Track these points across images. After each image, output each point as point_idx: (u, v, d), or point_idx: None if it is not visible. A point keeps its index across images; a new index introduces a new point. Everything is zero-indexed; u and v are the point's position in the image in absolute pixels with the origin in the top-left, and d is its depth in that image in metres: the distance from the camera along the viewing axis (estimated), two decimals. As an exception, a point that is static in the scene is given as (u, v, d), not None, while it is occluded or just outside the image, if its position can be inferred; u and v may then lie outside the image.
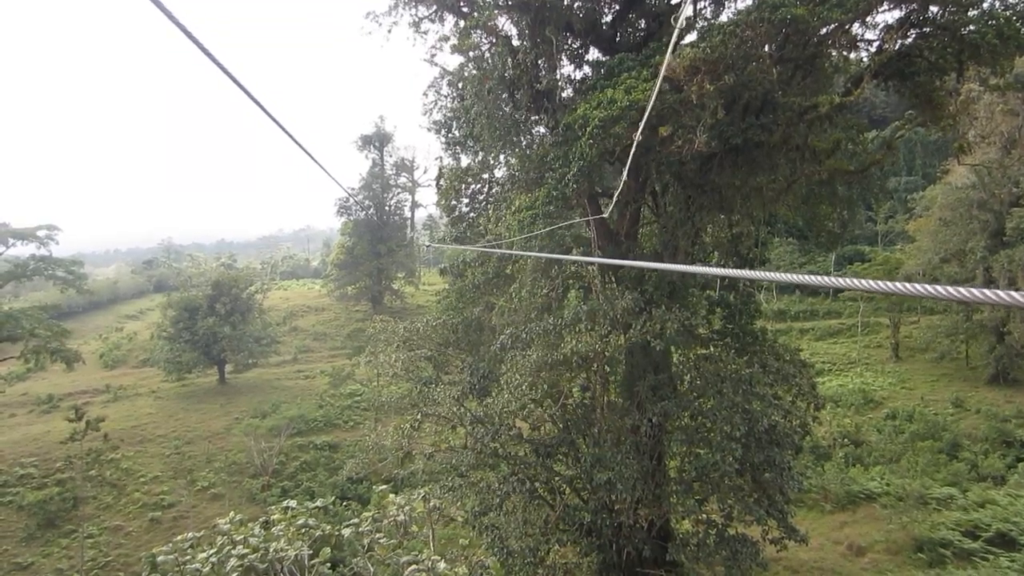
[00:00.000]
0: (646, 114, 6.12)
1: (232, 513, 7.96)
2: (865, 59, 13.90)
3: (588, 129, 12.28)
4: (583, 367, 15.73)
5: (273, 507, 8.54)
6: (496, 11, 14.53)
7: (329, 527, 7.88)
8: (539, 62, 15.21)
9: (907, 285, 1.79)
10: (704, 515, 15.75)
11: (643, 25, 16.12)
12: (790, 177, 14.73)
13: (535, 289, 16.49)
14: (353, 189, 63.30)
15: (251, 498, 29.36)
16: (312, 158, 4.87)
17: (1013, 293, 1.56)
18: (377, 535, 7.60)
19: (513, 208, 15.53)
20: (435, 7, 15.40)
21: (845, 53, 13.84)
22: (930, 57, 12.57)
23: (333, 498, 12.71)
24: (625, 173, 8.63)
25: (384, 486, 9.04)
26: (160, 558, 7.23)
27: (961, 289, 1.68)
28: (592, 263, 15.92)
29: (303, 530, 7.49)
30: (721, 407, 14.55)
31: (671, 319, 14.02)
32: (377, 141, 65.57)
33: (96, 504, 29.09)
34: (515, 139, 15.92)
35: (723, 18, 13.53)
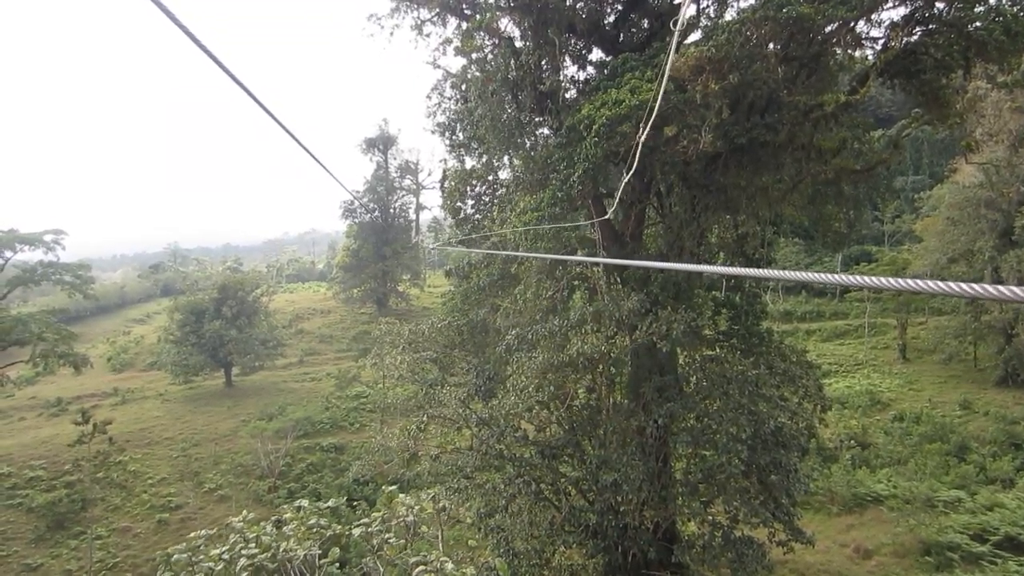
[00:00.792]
0: (650, 115, 6.09)
1: (244, 512, 7.97)
2: (871, 57, 13.80)
3: (594, 128, 12.25)
4: (589, 368, 15.68)
5: (285, 506, 8.55)
6: (498, 13, 14.52)
7: (339, 527, 7.88)
8: (542, 63, 15.20)
9: (914, 282, 1.76)
10: (710, 517, 15.66)
11: (646, 25, 16.08)
12: (796, 177, 14.64)
13: (540, 290, 16.46)
14: (358, 192, 63.52)
15: (258, 499, 29.43)
16: (318, 161, 4.86)
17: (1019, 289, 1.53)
18: (387, 535, 7.59)
19: (518, 210, 15.51)
20: (437, 9, 15.40)
21: (850, 51, 13.73)
22: (936, 54, 12.49)
23: (345, 498, 12.72)
24: (629, 173, 8.59)
25: (391, 487, 9.03)
26: (175, 556, 7.24)
27: (968, 285, 1.64)
28: (597, 264, 15.87)
29: (314, 530, 7.50)
30: (727, 408, 14.47)
31: (677, 320, 13.96)
32: (381, 144, 65.78)
33: (104, 506, 29.24)
34: (519, 141, 15.91)
35: (727, 17, 13.46)
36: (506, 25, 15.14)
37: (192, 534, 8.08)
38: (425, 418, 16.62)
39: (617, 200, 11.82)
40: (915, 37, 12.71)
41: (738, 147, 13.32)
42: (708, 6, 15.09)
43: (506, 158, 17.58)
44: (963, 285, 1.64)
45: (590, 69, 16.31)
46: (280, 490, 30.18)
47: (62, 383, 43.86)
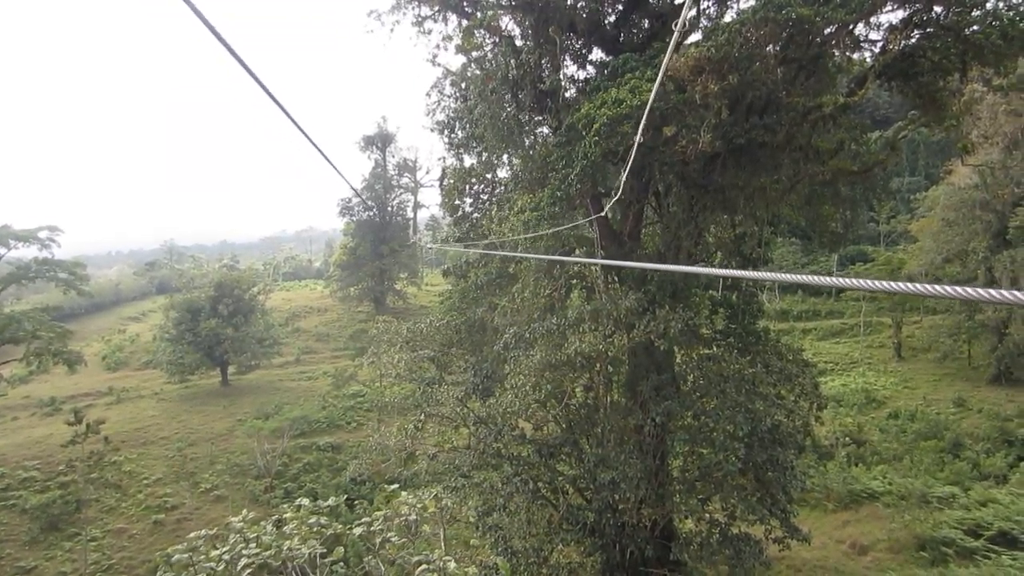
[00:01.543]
0: (644, 114, 6.14)
1: (244, 511, 7.99)
2: (869, 59, 13.91)
3: (594, 127, 12.31)
4: (586, 367, 15.75)
5: (284, 506, 8.56)
6: (499, 11, 14.56)
7: (341, 526, 7.90)
8: (542, 62, 15.25)
9: (909, 284, 1.82)
10: (707, 514, 15.76)
11: (647, 25, 16.14)
12: (793, 177, 14.73)
13: (538, 289, 16.51)
14: (357, 189, 63.41)
15: (254, 499, 29.38)
16: (323, 155, 4.91)
17: (1016, 292, 1.59)
18: (389, 534, 7.61)
19: (516, 208, 15.56)
20: (438, 6, 15.43)
21: (849, 53, 13.84)
22: (933, 57, 12.58)
23: (344, 497, 12.71)
24: (625, 173, 8.65)
25: (390, 486, 9.05)
26: (174, 557, 7.24)
27: (962, 288, 1.70)
28: (595, 264, 15.93)
29: (315, 529, 7.52)
30: (724, 407, 14.57)
31: (674, 319, 14.03)
32: (379, 142, 65.76)
33: (99, 507, 29.11)
34: (518, 139, 15.95)
35: (727, 18, 13.54)
36: (507, 23, 15.20)
37: (192, 534, 8.08)
38: (423, 417, 16.65)
39: (615, 198, 11.85)
40: (913, 40, 12.81)
41: (736, 147, 13.39)
42: (708, 7, 15.17)
43: (505, 157, 17.63)
44: (956, 288, 1.71)
45: (590, 69, 16.37)
46: (277, 490, 30.15)
47: (56, 382, 43.67)
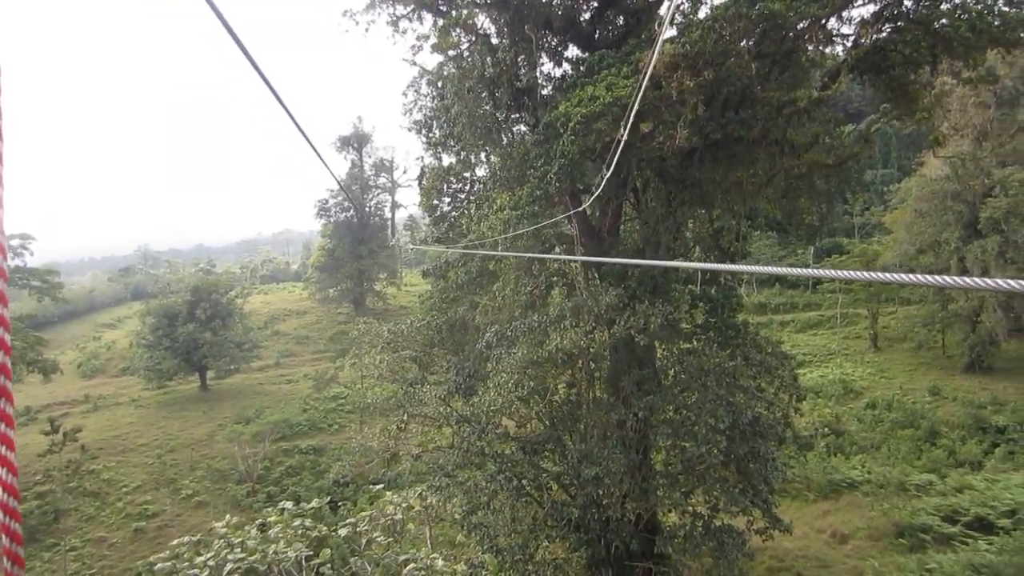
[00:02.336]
0: (631, 112, 6.17)
1: (228, 516, 7.91)
2: (841, 54, 14.08)
3: (570, 126, 12.33)
4: (568, 364, 15.78)
5: (269, 510, 8.50)
6: (475, 9, 14.53)
7: (325, 529, 7.86)
8: (519, 60, 15.24)
9: (884, 274, 1.86)
10: (690, 507, 15.86)
11: (621, 22, 16.19)
12: (770, 171, 14.87)
13: (518, 287, 16.53)
14: (333, 190, 63.01)
15: (236, 504, 29.08)
16: (314, 149, 4.86)
17: (985, 279, 1.63)
18: (375, 534, 7.59)
19: (495, 206, 15.54)
20: (412, 5, 15.36)
21: (822, 48, 14.01)
22: (904, 51, 12.78)
23: (328, 500, 12.64)
24: (610, 169, 8.69)
25: (374, 487, 9.01)
26: (158, 565, 7.16)
27: (935, 277, 1.74)
28: (575, 261, 15.97)
29: (300, 532, 7.47)
30: (705, 400, 14.66)
31: (655, 314, 14.10)
32: (355, 142, 65.33)
33: (78, 516, 28.65)
34: (496, 138, 15.94)
35: (701, 14, 13.63)
36: (482, 22, 15.16)
37: (175, 541, 8.00)
38: (405, 417, 16.56)
39: (595, 195, 11.89)
40: (884, 34, 12.99)
41: (713, 142, 13.49)
42: (683, 3, 15.25)
43: (483, 155, 17.61)
44: (930, 276, 1.74)
45: (566, 66, 16.39)
46: (259, 494, 29.87)
47: (30, 391, 42.84)
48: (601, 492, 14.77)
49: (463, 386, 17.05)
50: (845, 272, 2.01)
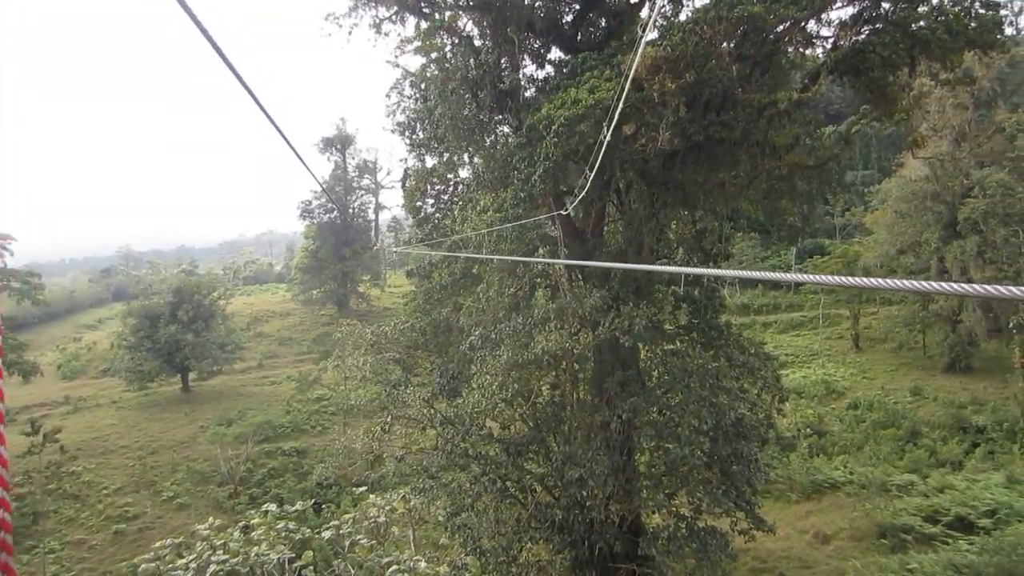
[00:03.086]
0: (616, 114, 6.16)
1: (211, 519, 7.83)
2: (821, 55, 14.17)
3: (553, 128, 12.32)
4: (553, 365, 15.76)
5: (252, 511, 8.42)
6: (458, 11, 14.50)
7: (309, 531, 7.80)
8: (501, 62, 15.22)
9: (866, 280, 1.85)
10: (674, 508, 15.87)
11: (603, 24, 16.22)
12: (751, 172, 14.93)
13: (502, 288, 16.49)
14: (316, 192, 62.70)
15: (218, 506, 28.80)
16: (297, 154, 4.80)
17: (965, 285, 1.62)
18: (357, 536, 7.54)
19: (479, 208, 15.51)
20: (395, 8, 15.30)
21: (802, 49, 14.11)
22: (883, 53, 12.87)
23: (312, 502, 12.54)
24: (593, 171, 8.69)
25: (359, 489, 8.96)
26: (141, 567, 7.07)
27: (914, 282, 1.73)
28: (559, 264, 15.96)
29: (283, 534, 7.41)
30: (689, 401, 14.70)
31: (639, 315, 14.12)
32: (339, 143, 65.09)
33: (57, 518, 28.28)
34: (479, 139, 15.91)
35: (682, 16, 13.68)
36: (465, 24, 15.14)
37: (157, 543, 7.91)
38: (389, 419, 16.50)
39: (579, 197, 11.90)
40: (863, 36, 13.09)
41: (695, 144, 13.53)
42: (664, 5, 15.30)
43: (466, 156, 17.57)
44: (905, 282, 1.73)
45: (549, 68, 16.38)
46: (241, 496, 29.64)
47: (10, 392, 40.92)
48: (585, 494, 14.76)
49: (447, 388, 17.00)
50: (827, 277, 2.00)
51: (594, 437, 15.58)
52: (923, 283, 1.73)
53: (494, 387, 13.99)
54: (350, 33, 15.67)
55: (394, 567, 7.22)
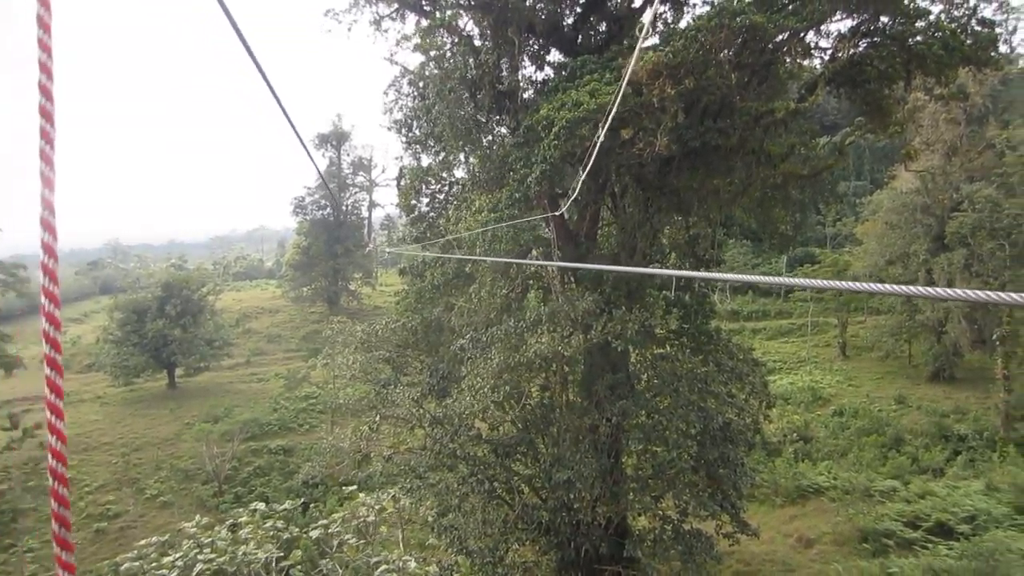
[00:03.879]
0: (608, 117, 6.20)
1: (197, 517, 7.78)
2: (819, 66, 14.31)
3: (553, 130, 12.36)
4: (543, 367, 15.79)
5: (240, 510, 8.36)
6: (458, 10, 14.52)
7: (297, 529, 7.76)
8: (501, 62, 15.25)
9: (854, 284, 1.90)
10: (660, 511, 15.94)
11: (604, 28, 16.30)
12: (746, 180, 15.05)
13: (495, 289, 16.49)
14: (310, 188, 62.44)
15: (202, 505, 28.54)
16: (304, 145, 4.80)
17: (949, 289, 1.67)
18: (346, 536, 7.51)
19: (474, 208, 15.52)
20: (396, 5, 15.32)
21: (800, 60, 14.23)
22: (880, 66, 13.03)
23: (301, 500, 12.47)
24: (585, 171, 8.73)
25: (347, 488, 8.95)
26: (124, 566, 7.00)
27: (903, 286, 1.78)
28: (552, 266, 16.00)
29: (271, 533, 7.37)
30: (677, 405, 14.79)
31: (631, 320, 14.18)
32: (334, 140, 64.81)
33: (37, 516, 27.78)
34: (476, 139, 15.92)
35: (683, 23, 13.77)
36: (466, 23, 15.15)
37: (142, 541, 7.84)
38: (378, 418, 16.44)
39: (571, 198, 11.94)
40: (860, 48, 13.24)
41: (691, 150, 13.62)
42: (664, 11, 15.40)
43: (463, 156, 17.57)
44: (898, 286, 1.78)
45: (548, 70, 16.43)
46: (226, 495, 29.36)
47: None
48: (572, 496, 14.80)
49: (437, 388, 16.99)
50: (817, 281, 2.05)
51: (582, 439, 15.63)
52: (904, 287, 1.78)
53: (486, 390, 13.99)
54: (349, 29, 15.71)
55: (383, 567, 7.21)
